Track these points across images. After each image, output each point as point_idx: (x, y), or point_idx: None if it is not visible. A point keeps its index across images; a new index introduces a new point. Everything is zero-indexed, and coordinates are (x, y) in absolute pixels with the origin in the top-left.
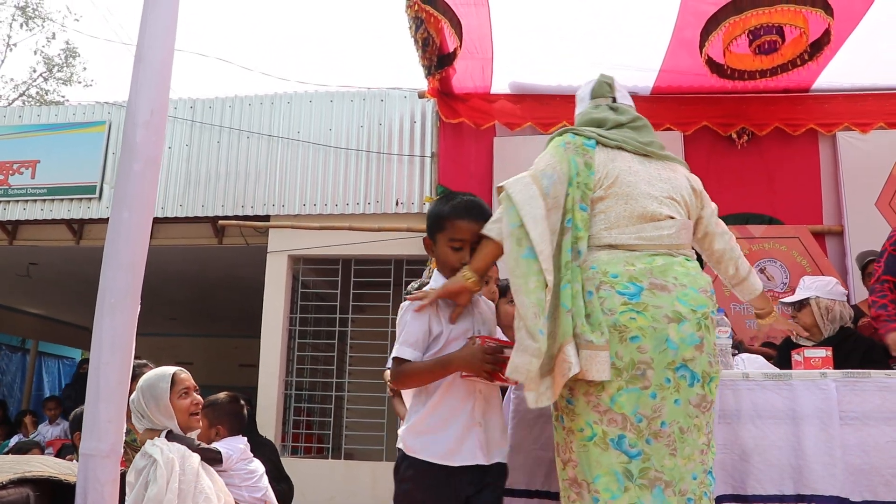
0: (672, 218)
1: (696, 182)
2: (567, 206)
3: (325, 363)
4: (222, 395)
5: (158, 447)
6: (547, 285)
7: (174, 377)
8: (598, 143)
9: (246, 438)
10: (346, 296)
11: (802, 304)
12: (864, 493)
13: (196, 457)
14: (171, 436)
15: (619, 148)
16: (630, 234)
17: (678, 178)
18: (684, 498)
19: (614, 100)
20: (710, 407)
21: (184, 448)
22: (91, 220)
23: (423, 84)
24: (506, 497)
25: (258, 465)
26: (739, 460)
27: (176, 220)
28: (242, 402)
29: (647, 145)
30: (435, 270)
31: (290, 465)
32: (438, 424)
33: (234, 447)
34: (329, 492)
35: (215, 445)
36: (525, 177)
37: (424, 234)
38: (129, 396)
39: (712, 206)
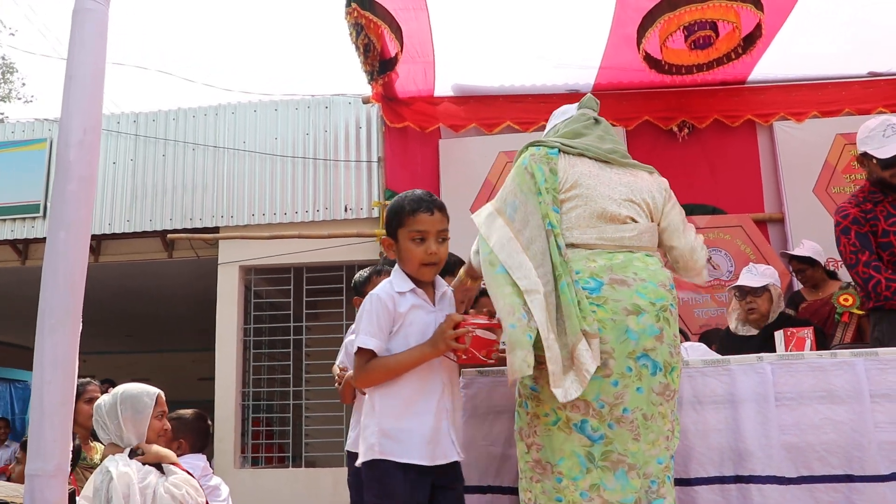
0: (634, 221)
1: (664, 183)
2: (542, 212)
3: (281, 372)
4: (189, 411)
5: (116, 461)
6: (523, 290)
7: (158, 397)
8: (560, 150)
9: (205, 456)
10: (300, 304)
11: (762, 290)
12: (800, 468)
13: (153, 474)
14: (132, 454)
15: (581, 155)
16: (590, 234)
17: (639, 182)
18: (648, 480)
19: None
20: (674, 396)
21: (143, 466)
22: (36, 240)
23: (366, 90)
24: None
25: (219, 481)
26: (682, 445)
27: (124, 235)
28: (209, 421)
29: (608, 153)
30: (396, 269)
31: (251, 475)
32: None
33: (195, 465)
34: (291, 500)
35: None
36: (490, 209)
37: (379, 237)
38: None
39: (678, 208)
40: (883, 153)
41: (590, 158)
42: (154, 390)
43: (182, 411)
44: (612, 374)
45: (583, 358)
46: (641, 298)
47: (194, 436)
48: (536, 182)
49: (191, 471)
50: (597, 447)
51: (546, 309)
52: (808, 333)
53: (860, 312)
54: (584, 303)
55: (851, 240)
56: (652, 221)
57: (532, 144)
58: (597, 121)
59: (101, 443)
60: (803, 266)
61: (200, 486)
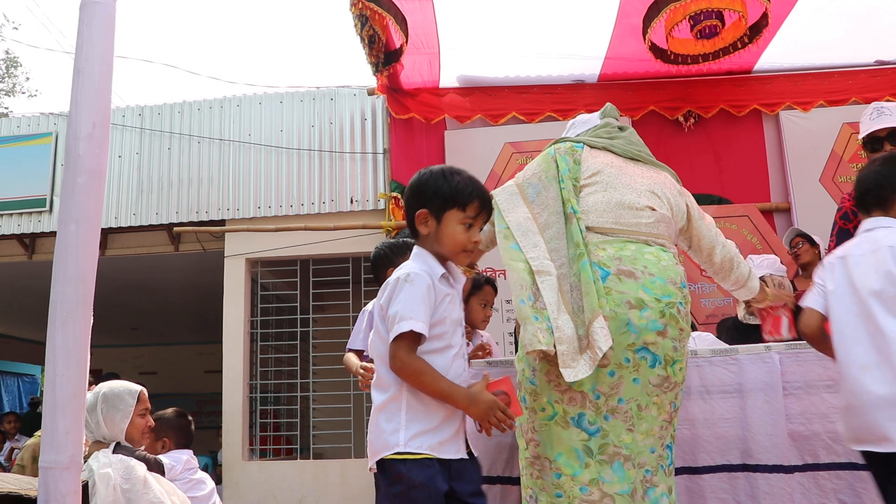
0: (652, 209)
1: (689, 196)
2: (564, 197)
3: (289, 364)
4: (169, 410)
5: (98, 460)
6: (535, 270)
7: (140, 395)
8: (585, 144)
9: (191, 451)
10: (306, 296)
11: None
12: (806, 457)
13: (142, 465)
14: (117, 448)
15: (606, 149)
16: (607, 218)
17: (663, 180)
18: (642, 470)
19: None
20: (675, 388)
21: (127, 458)
22: (43, 234)
23: (371, 81)
24: None
25: (204, 476)
26: (690, 434)
27: (130, 229)
28: (190, 417)
29: (636, 151)
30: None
31: (259, 468)
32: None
33: (178, 459)
34: (300, 492)
35: (159, 457)
36: (511, 185)
37: (386, 228)
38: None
39: (708, 219)
40: (861, 134)
41: (614, 153)
42: (136, 388)
43: (163, 411)
44: (608, 364)
45: (597, 335)
46: (646, 293)
47: (177, 433)
48: (560, 170)
49: (173, 464)
50: (594, 440)
51: (559, 290)
52: (783, 312)
53: None
54: (600, 284)
55: (833, 235)
56: (672, 216)
57: (558, 140)
58: (621, 129)
59: None
60: (802, 240)
61: (181, 480)
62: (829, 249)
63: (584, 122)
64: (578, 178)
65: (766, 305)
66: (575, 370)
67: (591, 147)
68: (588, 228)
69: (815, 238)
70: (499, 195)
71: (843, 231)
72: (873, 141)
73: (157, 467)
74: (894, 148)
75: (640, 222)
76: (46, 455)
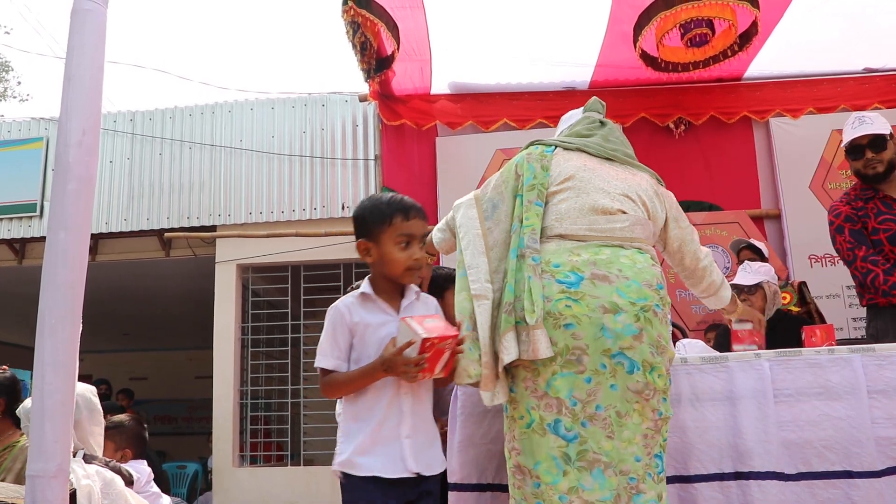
0: (624, 213)
1: (669, 197)
2: (518, 213)
3: (279, 370)
4: (125, 417)
5: (75, 470)
6: (473, 294)
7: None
8: (557, 147)
9: (146, 462)
10: (297, 302)
11: (756, 288)
12: (798, 465)
13: (119, 479)
14: (87, 457)
15: (579, 150)
16: (581, 225)
17: (638, 181)
18: (626, 477)
19: (603, 117)
20: (656, 394)
21: (104, 470)
22: (33, 239)
23: (363, 87)
24: (458, 492)
25: (157, 489)
26: (681, 442)
27: (121, 234)
28: (145, 424)
29: (612, 150)
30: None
31: (250, 474)
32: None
33: (142, 471)
34: (290, 499)
35: (128, 469)
36: (470, 198)
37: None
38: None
39: (685, 223)
40: (843, 142)
41: (589, 154)
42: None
43: (120, 418)
44: (585, 371)
45: (505, 347)
46: (621, 297)
47: (136, 442)
48: (522, 181)
49: (139, 476)
50: (572, 447)
51: (491, 314)
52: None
53: (796, 309)
54: (534, 298)
55: (846, 237)
56: (648, 218)
57: (531, 143)
58: (602, 123)
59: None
60: (753, 257)
61: (143, 492)
62: (845, 252)
63: (569, 118)
64: (546, 185)
65: (735, 317)
66: (493, 395)
67: (565, 149)
68: (561, 236)
69: (763, 248)
70: (458, 211)
71: (855, 231)
72: (855, 149)
73: (128, 481)
74: (875, 155)
75: (614, 227)
76: (34, 464)
